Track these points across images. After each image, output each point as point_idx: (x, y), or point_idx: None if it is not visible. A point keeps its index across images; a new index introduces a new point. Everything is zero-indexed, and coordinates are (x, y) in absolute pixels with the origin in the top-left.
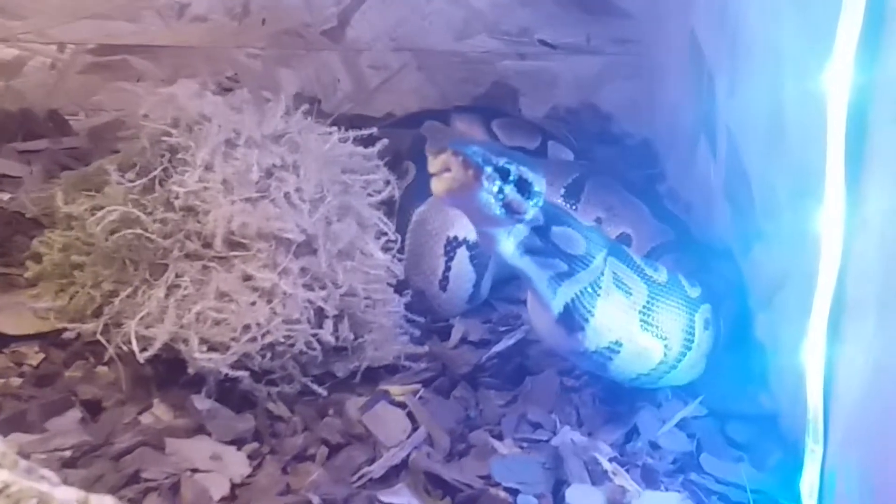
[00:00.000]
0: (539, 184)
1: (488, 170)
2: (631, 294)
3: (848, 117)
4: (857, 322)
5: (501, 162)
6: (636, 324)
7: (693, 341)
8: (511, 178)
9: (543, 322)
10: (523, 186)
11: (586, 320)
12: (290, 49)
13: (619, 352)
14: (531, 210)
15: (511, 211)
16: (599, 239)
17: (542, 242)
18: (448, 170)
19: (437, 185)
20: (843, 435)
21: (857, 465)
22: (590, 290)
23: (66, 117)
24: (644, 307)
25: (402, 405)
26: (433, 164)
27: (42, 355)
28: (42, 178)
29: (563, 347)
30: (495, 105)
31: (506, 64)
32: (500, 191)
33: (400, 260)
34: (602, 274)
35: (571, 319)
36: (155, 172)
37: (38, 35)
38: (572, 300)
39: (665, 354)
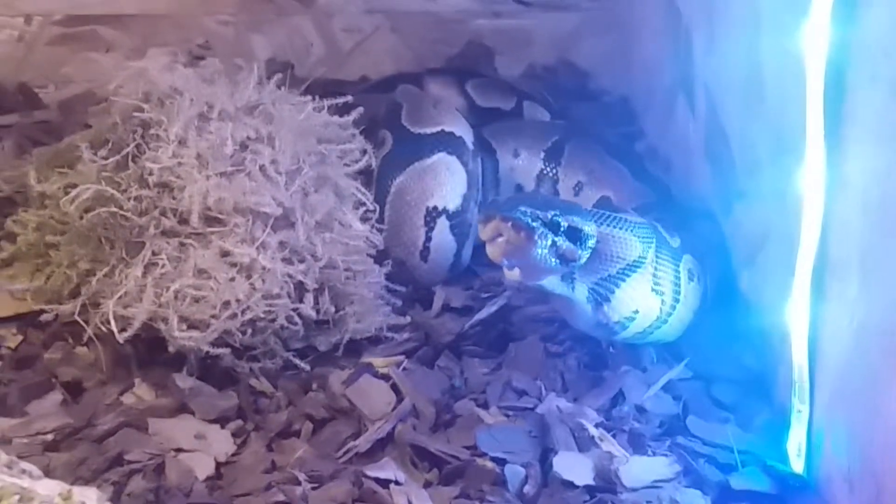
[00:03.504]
0: (589, 227)
1: (540, 228)
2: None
3: (826, 75)
4: (839, 281)
5: (550, 216)
6: (649, 288)
7: (680, 293)
8: (562, 229)
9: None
10: (574, 234)
11: (612, 292)
12: (261, 14)
13: (634, 319)
14: (584, 255)
15: (565, 260)
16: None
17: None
18: (500, 235)
19: (492, 251)
20: (829, 394)
21: (844, 423)
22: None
23: (36, 90)
24: (654, 270)
25: (385, 377)
26: (484, 232)
27: (20, 337)
28: (13, 154)
29: (588, 323)
30: (470, 65)
31: (480, 23)
32: (553, 244)
33: (379, 230)
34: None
35: (598, 296)
36: (128, 149)
37: (5, 7)
38: (596, 283)
39: (660, 310)
